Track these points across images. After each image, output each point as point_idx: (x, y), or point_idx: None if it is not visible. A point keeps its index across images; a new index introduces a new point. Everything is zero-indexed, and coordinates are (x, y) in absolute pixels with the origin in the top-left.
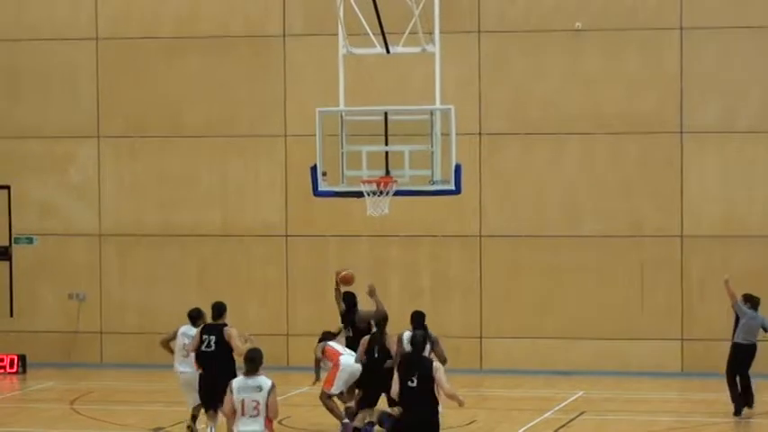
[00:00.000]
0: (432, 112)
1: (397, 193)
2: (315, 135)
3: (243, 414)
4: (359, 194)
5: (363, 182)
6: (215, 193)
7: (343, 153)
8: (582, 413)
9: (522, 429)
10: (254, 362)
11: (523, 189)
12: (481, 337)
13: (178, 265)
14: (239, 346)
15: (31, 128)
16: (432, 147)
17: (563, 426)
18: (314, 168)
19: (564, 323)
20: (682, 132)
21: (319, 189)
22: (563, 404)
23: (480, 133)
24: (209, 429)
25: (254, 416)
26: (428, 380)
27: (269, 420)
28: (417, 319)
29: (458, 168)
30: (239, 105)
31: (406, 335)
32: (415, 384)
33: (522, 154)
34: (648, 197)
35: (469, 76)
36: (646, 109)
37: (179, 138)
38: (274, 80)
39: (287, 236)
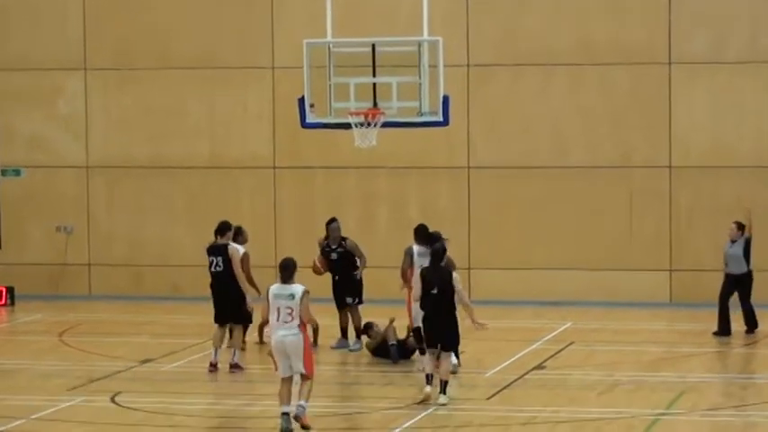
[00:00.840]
0: (419, 44)
1: (385, 125)
2: (302, 67)
3: (278, 320)
4: (347, 126)
5: (351, 113)
6: (203, 125)
7: (330, 85)
8: (570, 343)
9: (511, 360)
10: (287, 269)
11: (511, 121)
12: (469, 269)
13: (166, 197)
14: (239, 273)
15: (17, 60)
16: (420, 78)
17: (551, 356)
18: (301, 100)
19: (552, 254)
20: (670, 63)
21: (307, 121)
22: (551, 335)
23: (468, 65)
24: (232, 353)
25: (288, 321)
26: (449, 289)
27: (303, 325)
28: (421, 233)
29: (446, 100)
30: (227, 37)
31: (416, 248)
32: (436, 292)
33: (511, 85)
34: (637, 128)
35: (457, 8)
36: (634, 40)
37: (167, 69)
38: (262, 12)
39: (275, 167)
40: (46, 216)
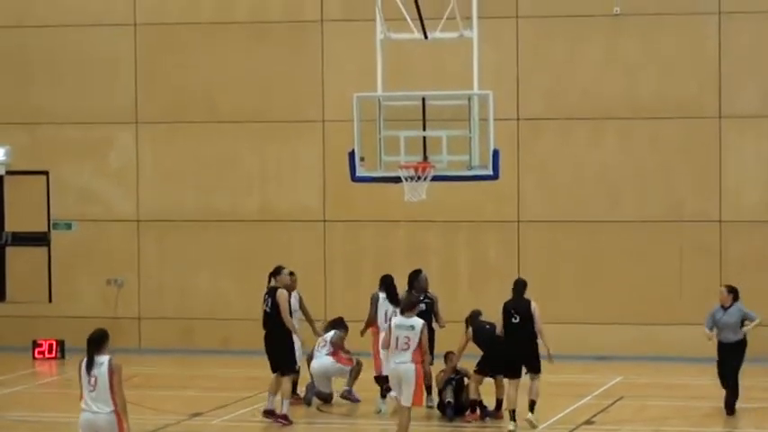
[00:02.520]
0: (470, 98)
1: (435, 179)
2: (353, 120)
3: (396, 348)
4: (397, 180)
5: (401, 167)
6: (253, 178)
7: (380, 138)
8: (620, 398)
9: (561, 415)
10: (409, 305)
11: (562, 174)
12: None
13: (216, 250)
14: (285, 313)
15: (69, 114)
16: (470, 132)
17: (602, 411)
18: (352, 154)
19: (602, 308)
20: (720, 117)
21: (357, 174)
22: (601, 389)
23: (518, 118)
24: (280, 403)
25: (405, 349)
26: (528, 317)
27: (418, 354)
28: (386, 282)
29: (496, 153)
30: (277, 91)
31: (381, 295)
32: (518, 321)
33: (560, 139)
34: (687, 182)
35: (507, 62)
36: (684, 93)
37: (217, 123)
38: (312, 66)
39: (325, 221)
40: (97, 269)
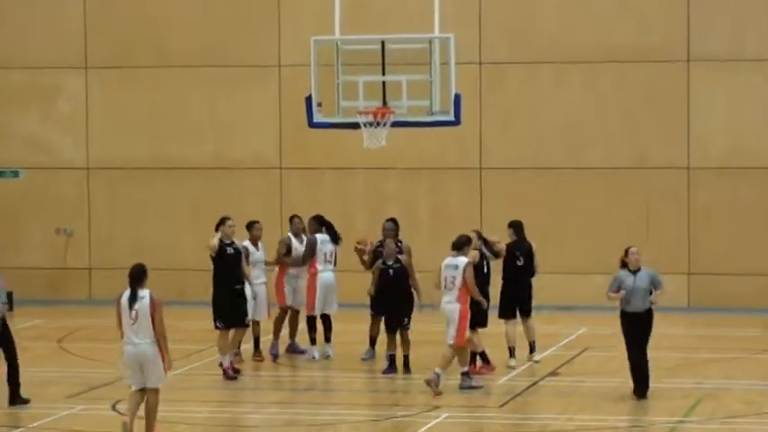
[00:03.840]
0: (430, 41)
1: (395, 125)
2: (310, 65)
3: (444, 287)
4: (355, 126)
5: (360, 113)
6: (207, 124)
7: (339, 83)
8: (585, 349)
9: (524, 367)
10: (457, 244)
11: (525, 120)
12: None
13: (169, 199)
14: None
15: (15, 58)
16: (430, 76)
17: (566, 362)
18: (309, 99)
19: (566, 257)
20: (689, 61)
21: (314, 120)
22: (565, 341)
23: (481, 62)
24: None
25: (450, 289)
26: (530, 259)
27: (464, 293)
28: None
29: (457, 98)
30: (232, 35)
31: (320, 237)
32: (522, 263)
33: (524, 84)
34: (654, 128)
35: (469, 4)
36: (651, 37)
37: (169, 67)
38: (267, 8)
39: (281, 168)
40: (45, 219)
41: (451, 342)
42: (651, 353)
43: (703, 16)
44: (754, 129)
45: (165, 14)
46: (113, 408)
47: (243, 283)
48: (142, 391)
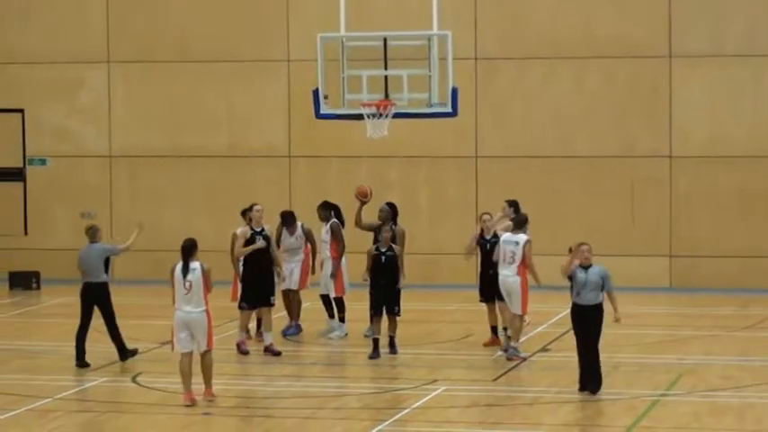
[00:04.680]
0: (429, 38)
1: (396, 116)
2: (317, 60)
3: (504, 261)
4: (359, 117)
5: (363, 105)
6: (221, 116)
7: (343, 77)
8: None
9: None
10: (518, 223)
11: (518, 111)
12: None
13: (186, 185)
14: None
15: (42, 54)
16: (429, 71)
17: (555, 339)
18: (316, 92)
19: (557, 240)
20: (671, 57)
21: (321, 112)
22: (555, 318)
23: (476, 58)
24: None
25: (510, 263)
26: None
27: (523, 266)
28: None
29: (454, 91)
30: (244, 32)
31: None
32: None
33: (516, 78)
34: (639, 119)
35: (466, 2)
36: (636, 34)
37: (187, 63)
38: (277, 7)
39: (290, 156)
40: (70, 204)
41: (519, 312)
42: (635, 330)
43: (684, 14)
44: (733, 120)
45: (182, 13)
46: (134, 380)
47: (272, 268)
48: (190, 354)
